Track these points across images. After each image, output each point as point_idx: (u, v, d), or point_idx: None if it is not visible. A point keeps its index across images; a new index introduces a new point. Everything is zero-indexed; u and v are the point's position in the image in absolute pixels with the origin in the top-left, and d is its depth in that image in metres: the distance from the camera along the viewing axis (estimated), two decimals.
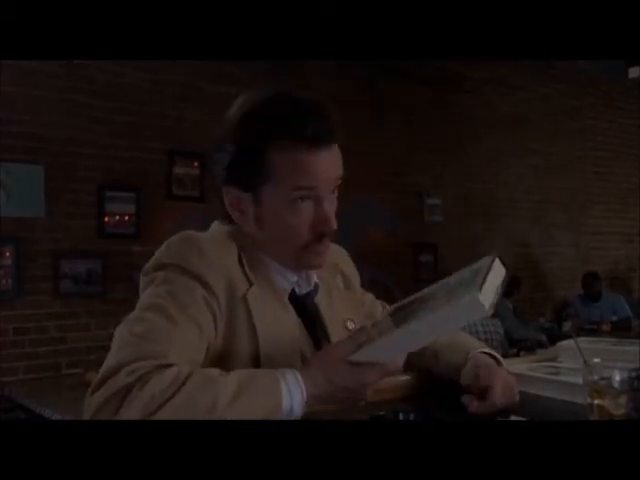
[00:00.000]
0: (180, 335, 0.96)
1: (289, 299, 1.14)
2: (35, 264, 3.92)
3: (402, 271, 5.63)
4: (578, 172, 7.15)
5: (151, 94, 4.38)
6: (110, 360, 0.91)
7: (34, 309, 3.91)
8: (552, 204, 6.87)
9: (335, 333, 1.18)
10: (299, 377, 0.94)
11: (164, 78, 4.43)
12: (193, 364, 0.95)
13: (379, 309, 1.35)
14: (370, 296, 1.38)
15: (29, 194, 3.87)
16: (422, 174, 5.87)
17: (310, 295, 1.18)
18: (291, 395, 0.93)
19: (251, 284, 1.08)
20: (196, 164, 4.54)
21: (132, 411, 0.84)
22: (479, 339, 1.31)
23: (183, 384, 0.87)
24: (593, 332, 4.90)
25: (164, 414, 0.84)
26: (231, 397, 0.88)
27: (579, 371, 0.98)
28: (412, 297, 1.01)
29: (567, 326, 5.51)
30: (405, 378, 1.24)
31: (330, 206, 1.09)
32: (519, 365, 1.46)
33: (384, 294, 1.44)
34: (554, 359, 1.52)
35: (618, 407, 0.87)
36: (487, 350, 1.23)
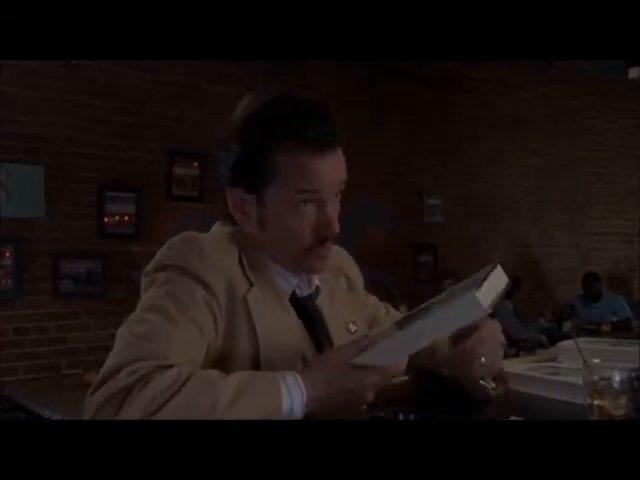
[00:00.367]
0: (180, 336, 0.96)
1: (290, 301, 1.14)
2: (35, 264, 3.92)
3: (402, 271, 5.64)
4: (578, 172, 7.15)
5: (151, 94, 4.38)
6: (111, 360, 0.92)
7: (34, 309, 3.91)
8: (552, 204, 6.87)
9: (337, 335, 1.18)
10: (299, 379, 0.94)
11: (164, 78, 4.43)
12: (193, 365, 0.95)
13: (382, 311, 1.35)
14: (374, 298, 1.38)
15: (29, 194, 3.87)
16: (422, 174, 5.87)
17: (311, 297, 1.18)
18: (291, 397, 0.92)
19: (251, 285, 1.08)
20: (196, 164, 4.54)
21: (132, 411, 0.84)
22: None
23: (183, 385, 0.87)
24: (593, 332, 4.90)
25: (164, 414, 0.84)
26: (231, 398, 0.88)
27: (579, 371, 0.98)
28: (417, 308, 1.02)
29: (567, 326, 5.50)
30: (404, 378, 1.24)
31: (333, 209, 1.09)
32: (519, 365, 1.46)
33: (384, 294, 1.44)
34: (554, 359, 1.52)
35: (618, 407, 0.87)
36: None
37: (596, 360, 0.93)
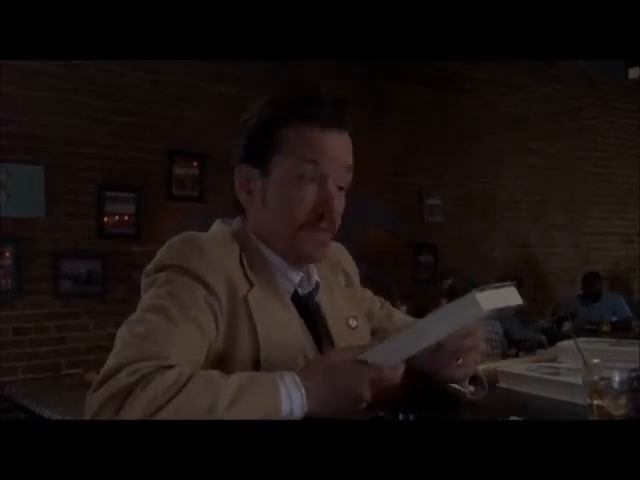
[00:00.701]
0: (181, 336, 0.96)
1: (291, 299, 1.15)
2: (35, 264, 3.92)
3: (402, 271, 5.64)
4: (578, 172, 7.15)
5: (151, 94, 4.38)
6: (111, 360, 0.92)
7: (34, 309, 3.91)
8: (552, 204, 6.87)
9: (337, 331, 1.18)
10: (297, 379, 0.94)
11: (164, 78, 4.43)
12: (194, 365, 0.95)
13: (377, 305, 1.36)
14: (369, 292, 1.39)
15: (29, 194, 3.87)
16: (422, 174, 5.87)
17: (311, 294, 1.18)
18: (290, 397, 0.93)
19: (252, 285, 1.08)
20: (196, 164, 4.54)
21: (133, 411, 0.84)
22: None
23: (184, 385, 0.87)
24: (593, 332, 4.89)
25: (165, 414, 0.85)
26: (231, 399, 0.88)
27: (579, 371, 0.98)
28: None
29: (567, 326, 5.50)
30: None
31: (335, 192, 1.11)
32: (519, 365, 1.46)
33: (384, 294, 1.44)
34: (554, 359, 1.52)
35: (618, 408, 0.87)
36: None
37: (596, 360, 0.93)
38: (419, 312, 1.19)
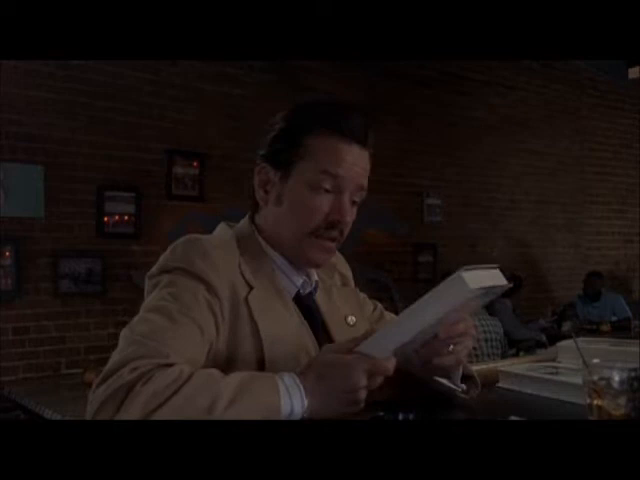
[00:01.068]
0: (182, 335, 0.97)
1: (292, 299, 1.16)
2: (35, 264, 3.92)
3: (402, 271, 5.64)
4: (578, 172, 7.16)
5: (151, 94, 4.38)
6: (114, 357, 0.93)
7: (34, 309, 3.91)
8: (552, 204, 6.87)
9: (336, 328, 1.19)
10: (296, 378, 0.95)
11: (164, 79, 4.43)
12: (194, 364, 0.96)
13: (370, 307, 1.37)
14: (363, 295, 1.40)
15: (29, 194, 3.87)
16: (422, 174, 5.87)
17: (311, 293, 1.21)
18: (290, 394, 0.93)
19: (251, 287, 1.10)
20: (196, 164, 4.55)
21: (134, 407, 0.85)
22: (478, 339, 1.31)
23: (185, 383, 0.88)
24: (593, 332, 4.90)
25: (165, 412, 0.85)
26: (232, 396, 0.89)
27: (579, 371, 0.98)
28: None
29: (567, 326, 5.51)
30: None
31: (348, 203, 1.14)
32: (519, 365, 1.46)
33: (384, 294, 1.45)
34: (554, 359, 1.52)
35: (617, 407, 0.87)
36: None
37: (596, 360, 0.93)
38: None
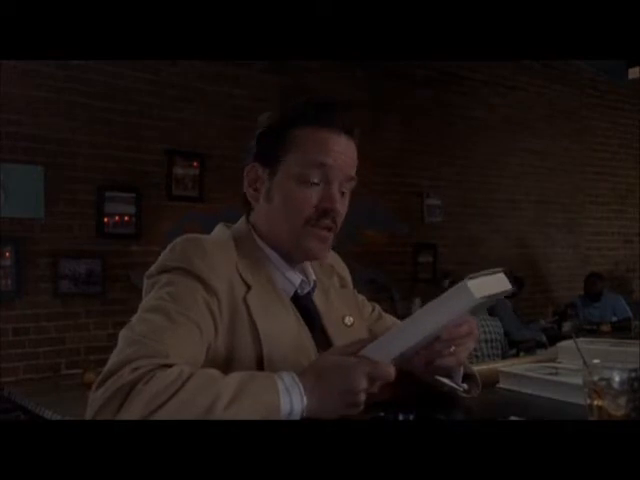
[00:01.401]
0: (181, 335, 0.97)
1: (290, 299, 1.16)
2: (35, 264, 3.92)
3: (402, 271, 5.64)
4: (578, 172, 7.16)
5: (151, 94, 4.38)
6: (114, 358, 0.93)
7: (34, 309, 3.91)
8: (551, 204, 6.87)
9: (334, 329, 1.20)
10: (295, 377, 0.95)
11: (164, 79, 4.43)
12: (193, 364, 0.96)
13: (369, 309, 1.37)
14: (361, 297, 1.40)
15: (29, 195, 3.87)
16: (422, 174, 5.87)
17: (309, 294, 1.21)
18: (289, 393, 0.93)
19: (249, 287, 1.10)
20: (196, 164, 4.54)
21: (135, 408, 0.85)
22: (479, 339, 1.31)
23: (185, 383, 0.88)
24: (593, 333, 4.90)
25: (166, 411, 0.85)
26: (232, 396, 0.89)
27: (579, 372, 0.98)
28: None
29: (567, 326, 5.51)
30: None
31: (337, 193, 1.14)
32: (519, 365, 1.46)
33: (384, 294, 1.45)
34: (554, 359, 1.52)
35: (618, 408, 0.87)
36: None
37: (596, 360, 0.93)
38: None
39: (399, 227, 5.57)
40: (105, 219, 4.18)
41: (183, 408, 0.86)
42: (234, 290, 1.07)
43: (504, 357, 4.04)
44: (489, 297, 0.94)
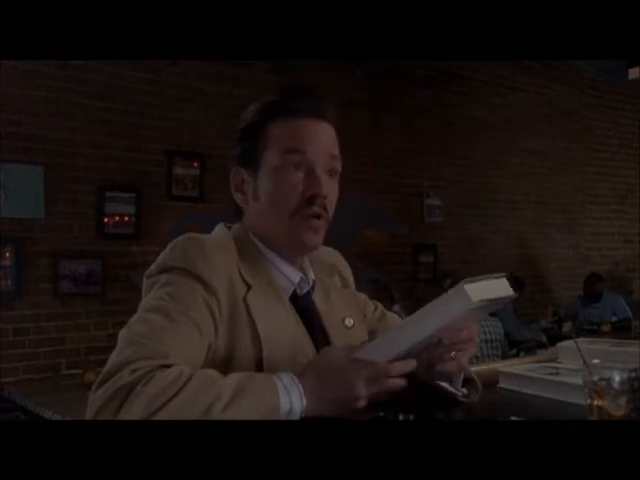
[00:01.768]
0: (181, 336, 0.97)
1: (289, 299, 1.16)
2: (35, 265, 3.92)
3: (402, 271, 5.64)
4: (578, 172, 7.15)
5: (151, 94, 4.38)
6: (113, 359, 0.93)
7: (34, 309, 3.91)
8: (551, 205, 6.87)
9: (333, 330, 1.19)
10: (294, 378, 0.95)
11: (164, 79, 4.43)
12: (193, 364, 0.96)
13: (371, 308, 1.36)
14: (363, 295, 1.39)
15: (29, 195, 3.87)
16: (422, 174, 5.87)
17: (309, 294, 1.20)
18: (289, 394, 0.93)
19: (249, 287, 1.09)
20: (196, 164, 4.54)
21: (134, 409, 0.85)
22: (479, 339, 1.31)
23: (185, 384, 0.88)
24: (593, 333, 4.90)
25: (165, 412, 0.85)
26: (231, 396, 0.89)
27: (579, 372, 0.98)
28: None
29: (567, 327, 5.51)
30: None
31: (324, 178, 1.13)
32: (519, 366, 1.46)
33: (384, 294, 1.45)
34: (554, 360, 1.52)
35: (618, 408, 0.87)
36: None
37: (596, 360, 0.93)
38: None
39: (399, 227, 5.57)
40: (105, 219, 4.18)
41: (183, 409, 0.86)
42: (234, 290, 1.07)
43: (504, 357, 4.05)
44: (488, 301, 0.94)
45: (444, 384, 1.14)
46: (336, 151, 1.17)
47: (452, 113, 6.02)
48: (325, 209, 1.13)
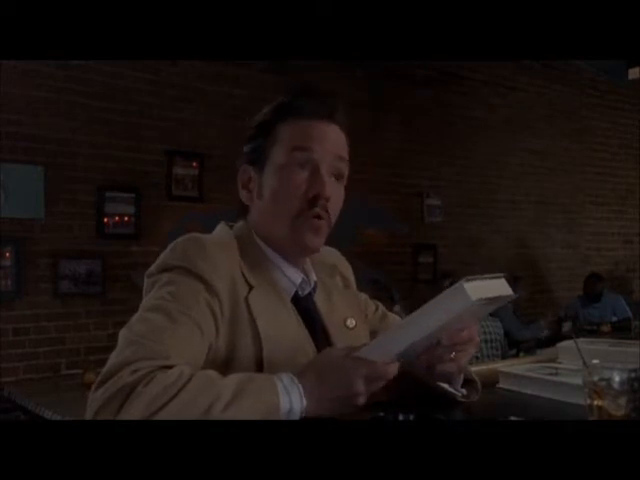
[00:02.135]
0: (182, 336, 0.97)
1: (291, 300, 1.16)
2: (35, 265, 3.92)
3: (402, 271, 5.64)
4: (578, 172, 7.15)
5: (151, 94, 4.38)
6: (113, 359, 0.92)
7: (34, 309, 3.91)
8: (551, 205, 6.87)
9: (335, 331, 1.19)
10: (294, 378, 0.95)
11: (164, 79, 4.43)
12: (194, 365, 0.96)
13: (372, 308, 1.36)
14: (364, 295, 1.39)
15: (29, 195, 3.87)
16: (422, 174, 5.87)
17: (310, 295, 1.20)
18: (289, 393, 0.93)
19: (251, 287, 1.09)
20: (196, 164, 4.54)
21: (134, 410, 0.85)
22: (479, 339, 1.30)
23: (185, 384, 0.88)
24: (593, 333, 4.89)
25: (165, 413, 0.85)
26: (231, 397, 0.89)
27: (579, 372, 0.98)
28: None
29: (567, 327, 5.51)
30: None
31: (329, 180, 1.13)
32: (519, 366, 1.46)
33: (384, 294, 1.45)
34: (554, 360, 1.52)
35: (618, 408, 0.87)
36: None
37: (596, 361, 0.93)
38: None
39: (399, 227, 5.57)
40: (105, 219, 4.18)
41: (183, 409, 0.86)
42: (236, 290, 1.07)
43: (504, 357, 4.05)
44: (487, 300, 0.94)
45: (444, 385, 1.14)
46: (344, 153, 1.17)
47: (452, 113, 6.01)
48: (327, 211, 1.13)
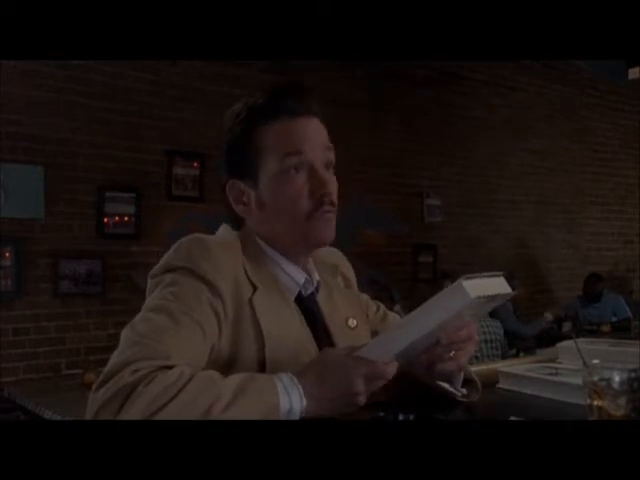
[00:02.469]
0: (183, 336, 0.97)
1: (294, 300, 1.16)
2: (35, 265, 3.92)
3: (402, 271, 5.64)
4: (578, 172, 7.15)
5: (151, 94, 4.38)
6: (114, 359, 0.92)
7: (34, 309, 3.91)
8: (551, 205, 6.87)
9: (337, 330, 1.19)
10: (294, 378, 0.95)
11: (164, 79, 4.43)
12: (195, 365, 0.96)
13: (373, 309, 1.36)
14: (365, 296, 1.39)
15: (29, 195, 3.87)
16: (422, 174, 5.87)
17: (313, 295, 1.20)
18: (288, 393, 0.93)
19: (255, 288, 1.09)
20: (196, 164, 4.54)
21: (135, 409, 0.85)
22: (478, 339, 1.31)
23: (186, 385, 0.88)
24: (593, 333, 4.89)
25: (166, 413, 0.85)
26: (232, 397, 0.89)
27: (579, 372, 0.98)
28: None
29: (567, 327, 5.51)
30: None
31: (326, 174, 1.13)
32: (519, 366, 1.46)
33: (384, 294, 1.45)
34: (554, 360, 1.52)
35: (617, 408, 0.87)
36: None
37: (596, 361, 0.93)
38: None
39: (399, 227, 5.57)
40: (105, 219, 4.18)
41: (183, 410, 0.86)
42: (240, 291, 1.07)
43: (504, 357, 4.05)
44: (486, 298, 0.94)
45: (444, 384, 1.14)
46: (328, 142, 1.17)
47: (452, 113, 6.01)
48: (333, 203, 1.14)
